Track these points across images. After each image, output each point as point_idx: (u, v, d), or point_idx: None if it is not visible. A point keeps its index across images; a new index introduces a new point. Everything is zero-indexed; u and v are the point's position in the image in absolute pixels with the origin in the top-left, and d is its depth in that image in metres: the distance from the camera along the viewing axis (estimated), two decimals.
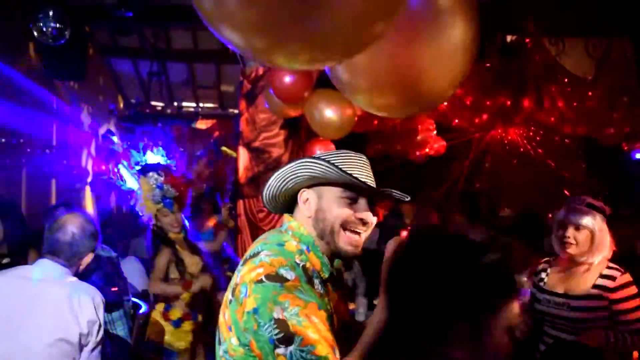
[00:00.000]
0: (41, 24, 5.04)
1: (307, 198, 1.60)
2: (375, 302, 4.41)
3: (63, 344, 2.22)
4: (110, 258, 3.46)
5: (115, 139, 3.69)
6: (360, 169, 1.59)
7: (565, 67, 5.58)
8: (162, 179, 3.51)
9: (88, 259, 2.47)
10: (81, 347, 2.29)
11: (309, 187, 1.61)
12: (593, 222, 2.83)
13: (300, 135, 4.60)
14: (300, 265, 1.48)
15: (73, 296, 2.29)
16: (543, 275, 3.09)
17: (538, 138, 6.34)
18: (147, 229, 3.70)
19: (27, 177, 6.68)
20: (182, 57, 8.66)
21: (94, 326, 2.31)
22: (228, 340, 1.43)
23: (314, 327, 1.32)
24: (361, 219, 1.55)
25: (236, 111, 9.03)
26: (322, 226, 1.57)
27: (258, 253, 1.48)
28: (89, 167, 8.75)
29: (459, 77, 2.34)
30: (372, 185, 1.58)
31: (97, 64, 8.69)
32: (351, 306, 4.38)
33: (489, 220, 6.61)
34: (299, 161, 1.56)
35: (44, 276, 2.33)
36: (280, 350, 1.30)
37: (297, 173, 1.56)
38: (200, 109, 9.82)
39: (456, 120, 5.51)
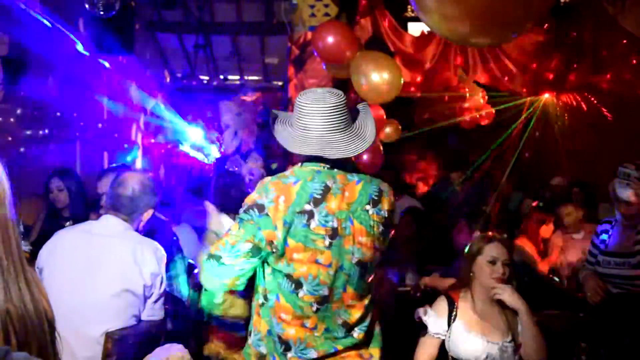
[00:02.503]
0: None
1: None
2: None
3: (128, 294, 2.29)
4: (161, 219, 3.53)
5: None
6: None
7: (625, 27, 5.32)
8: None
9: (148, 214, 2.53)
10: (145, 298, 2.36)
11: None
12: (629, 193, 2.82)
13: (349, 100, 4.56)
14: None
15: (137, 249, 2.35)
16: (604, 236, 3.06)
17: (593, 103, 6.11)
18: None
19: (80, 149, 6.89)
20: (226, 29, 8.69)
21: (156, 279, 2.37)
22: (373, 264, 1.95)
23: None
24: None
25: (280, 83, 9.05)
26: None
27: (381, 190, 1.93)
28: (139, 141, 8.96)
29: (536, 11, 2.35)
30: None
31: (143, 39, 8.81)
32: None
33: (539, 189, 6.47)
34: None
35: (108, 231, 2.40)
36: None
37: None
38: (245, 82, 9.87)
39: (508, 85, 5.36)
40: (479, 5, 2.25)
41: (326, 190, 1.85)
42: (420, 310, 2.57)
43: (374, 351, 1.97)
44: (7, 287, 1.11)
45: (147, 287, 2.34)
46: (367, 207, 1.87)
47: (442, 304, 2.54)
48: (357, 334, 1.92)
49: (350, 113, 1.96)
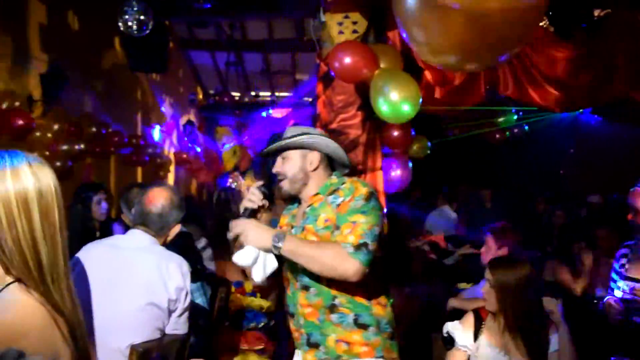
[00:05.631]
0: (126, 17, 5.27)
1: None
2: (459, 285, 4.32)
3: (153, 308, 2.32)
4: (184, 232, 3.58)
5: None
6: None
7: None
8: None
9: (176, 229, 2.56)
10: (170, 312, 2.38)
11: None
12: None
13: (377, 116, 4.53)
14: None
15: (162, 264, 2.38)
16: (624, 261, 2.96)
17: (629, 118, 5.97)
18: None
19: (115, 164, 7.05)
20: (257, 47, 8.81)
21: (181, 293, 2.40)
22: None
23: None
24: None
25: (310, 99, 9.11)
26: None
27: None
28: (172, 155, 9.13)
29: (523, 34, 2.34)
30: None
31: (177, 57, 9.02)
32: None
33: (574, 208, 6.31)
34: None
35: (135, 245, 2.44)
36: None
37: None
38: (275, 98, 9.97)
39: (539, 100, 5.26)
40: (464, 35, 2.24)
41: None
42: (449, 325, 2.64)
43: None
44: (60, 292, 1.17)
45: (171, 301, 2.36)
46: None
47: (469, 318, 2.61)
48: None
49: None
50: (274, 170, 2.35)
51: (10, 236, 1.13)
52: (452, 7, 2.14)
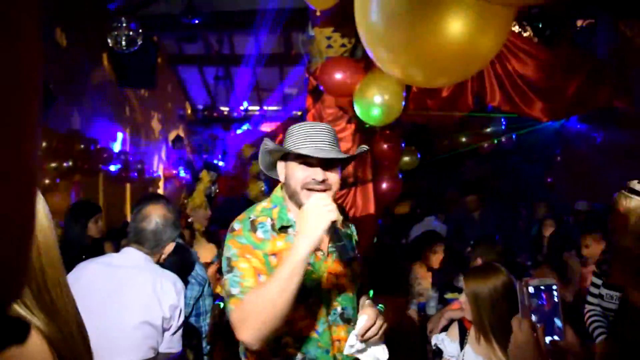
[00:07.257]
0: (115, 33, 5.28)
1: (280, 168, 2.00)
2: (446, 296, 4.33)
3: (147, 326, 2.30)
4: (182, 246, 3.56)
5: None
6: (311, 139, 1.88)
7: None
8: (215, 178, 3.82)
9: (170, 247, 2.55)
10: (163, 330, 2.37)
11: (282, 159, 1.98)
12: (627, 205, 2.62)
13: (368, 129, 4.57)
14: (250, 219, 1.93)
15: (156, 282, 2.37)
16: (605, 267, 2.94)
17: (614, 126, 6.05)
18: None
19: (103, 180, 7.01)
20: (245, 61, 8.85)
21: (175, 311, 2.38)
22: None
23: (246, 261, 1.82)
24: (314, 178, 1.85)
25: (299, 113, 9.15)
26: (290, 189, 1.95)
27: None
28: (160, 171, 9.10)
29: (493, 49, 2.25)
30: (313, 153, 1.84)
31: (165, 72, 9.02)
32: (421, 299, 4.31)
33: (562, 215, 6.37)
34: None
35: (129, 263, 2.43)
36: (224, 276, 1.85)
37: (262, 149, 2.00)
38: (264, 112, 9.99)
39: (526, 110, 5.32)
40: (430, 52, 2.14)
41: None
42: (437, 337, 2.69)
43: None
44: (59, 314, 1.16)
45: (165, 319, 2.34)
46: None
47: (454, 329, 2.63)
48: None
49: None
50: (321, 178, 1.85)
51: None
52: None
